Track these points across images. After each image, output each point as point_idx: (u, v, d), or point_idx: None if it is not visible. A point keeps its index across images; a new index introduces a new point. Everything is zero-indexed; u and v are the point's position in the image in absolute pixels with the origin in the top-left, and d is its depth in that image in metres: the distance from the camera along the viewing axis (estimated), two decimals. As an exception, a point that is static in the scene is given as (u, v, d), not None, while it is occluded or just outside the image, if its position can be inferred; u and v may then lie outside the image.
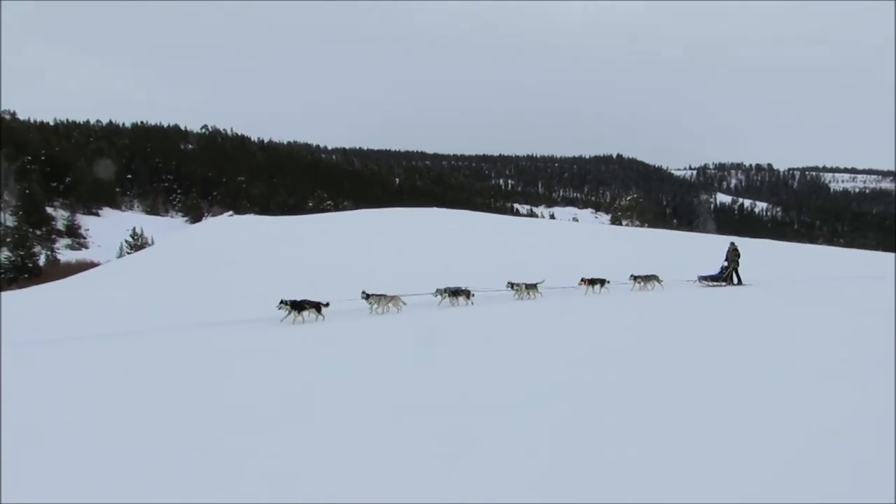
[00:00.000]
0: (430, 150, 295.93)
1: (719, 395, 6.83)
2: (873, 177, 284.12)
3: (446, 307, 16.97)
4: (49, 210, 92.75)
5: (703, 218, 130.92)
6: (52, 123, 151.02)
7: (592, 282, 19.15)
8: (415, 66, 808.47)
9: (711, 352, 9.46)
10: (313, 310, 14.72)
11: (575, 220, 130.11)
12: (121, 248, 70.45)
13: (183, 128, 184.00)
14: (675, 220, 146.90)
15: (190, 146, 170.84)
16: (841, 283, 21.63)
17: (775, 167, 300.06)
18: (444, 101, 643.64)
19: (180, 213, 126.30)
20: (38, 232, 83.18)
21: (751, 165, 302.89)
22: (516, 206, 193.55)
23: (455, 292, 17.27)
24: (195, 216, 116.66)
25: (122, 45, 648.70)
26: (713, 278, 22.08)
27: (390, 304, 16.14)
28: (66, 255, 77.36)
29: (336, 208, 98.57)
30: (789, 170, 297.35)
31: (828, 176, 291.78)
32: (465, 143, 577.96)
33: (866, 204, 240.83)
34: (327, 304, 15.08)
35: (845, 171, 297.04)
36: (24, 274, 52.15)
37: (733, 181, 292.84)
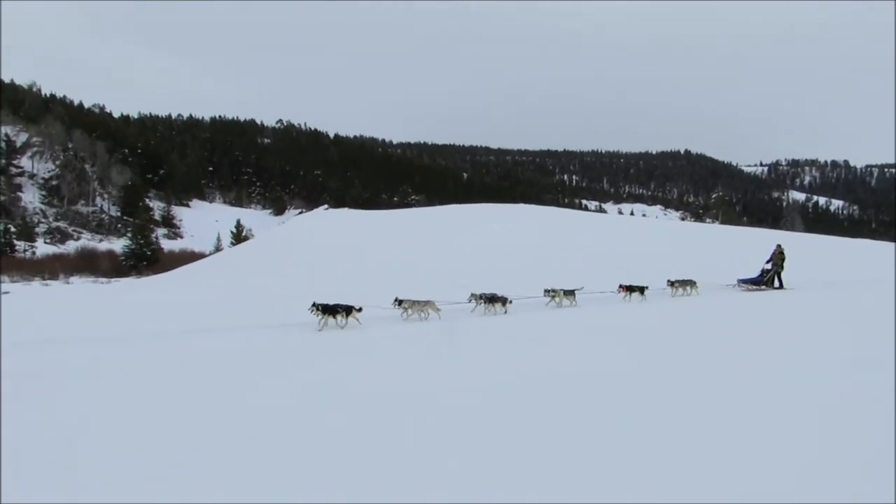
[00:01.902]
0: (493, 145, 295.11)
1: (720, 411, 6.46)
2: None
3: (480, 315, 15.92)
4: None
5: (790, 217, 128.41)
6: (136, 117, 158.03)
7: (631, 288, 18.38)
8: (477, 62, 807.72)
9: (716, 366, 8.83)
10: (344, 314, 13.96)
11: (644, 216, 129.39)
12: (218, 239, 74.13)
13: (259, 122, 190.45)
14: (744, 218, 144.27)
15: (266, 140, 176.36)
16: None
17: (852, 164, 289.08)
18: (508, 97, 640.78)
19: (261, 206, 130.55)
20: (138, 221, 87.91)
21: (826, 161, 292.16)
22: (584, 202, 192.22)
23: (491, 299, 16.28)
24: (278, 208, 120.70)
25: (195, 42, 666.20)
26: (753, 282, 21.38)
27: (426, 310, 15.39)
28: (165, 244, 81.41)
29: (409, 203, 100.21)
30: (867, 166, 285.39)
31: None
32: (528, 138, 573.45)
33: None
34: (360, 309, 14.26)
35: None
36: (143, 261, 55.62)
37: (807, 178, 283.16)
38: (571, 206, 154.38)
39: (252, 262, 40.80)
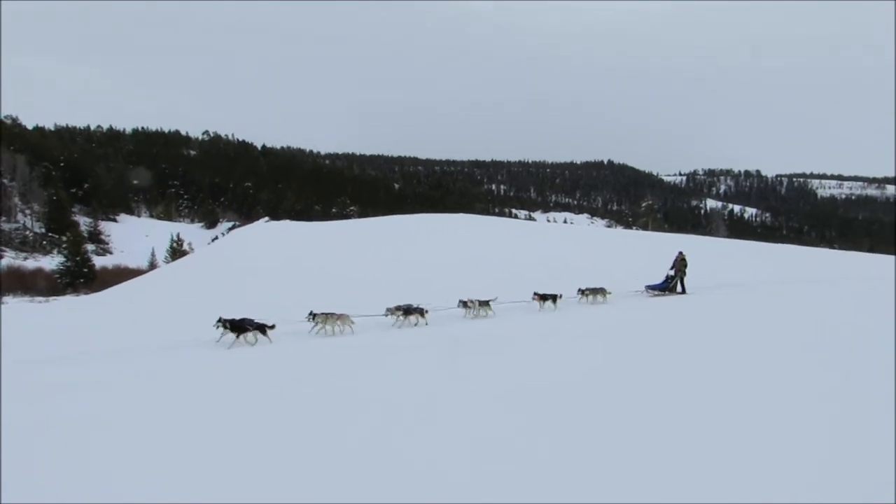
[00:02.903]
0: (421, 155, 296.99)
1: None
2: (859, 183, 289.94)
3: (398, 328, 15.67)
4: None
5: (716, 224, 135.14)
6: (52, 129, 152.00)
7: (544, 297, 18.29)
8: (401, 71, 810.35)
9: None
10: (256, 331, 13.24)
11: (572, 224, 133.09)
12: (152, 254, 72.55)
13: (184, 133, 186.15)
14: (666, 225, 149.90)
15: (192, 152, 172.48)
16: (796, 288, 22.00)
17: (764, 173, 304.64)
18: (432, 107, 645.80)
19: (191, 219, 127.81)
20: (64, 238, 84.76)
21: (740, 171, 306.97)
22: (514, 211, 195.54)
23: (407, 311, 15.90)
24: (210, 222, 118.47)
25: (105, 50, 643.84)
26: (659, 288, 21.95)
27: (338, 324, 14.90)
28: (96, 260, 78.68)
29: (347, 214, 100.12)
30: (777, 176, 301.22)
31: (815, 182, 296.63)
32: (455, 149, 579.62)
33: (853, 209, 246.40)
34: (272, 326, 13.56)
35: (832, 177, 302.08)
36: (79, 279, 53.98)
37: (722, 187, 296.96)
38: (502, 215, 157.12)
39: (196, 277, 39.63)
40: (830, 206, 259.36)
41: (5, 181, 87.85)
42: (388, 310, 15.89)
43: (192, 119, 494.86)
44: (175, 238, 71.55)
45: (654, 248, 24.50)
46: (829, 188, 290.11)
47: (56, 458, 5.77)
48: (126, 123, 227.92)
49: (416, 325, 15.86)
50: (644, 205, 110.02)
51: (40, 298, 44.84)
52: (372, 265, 35.92)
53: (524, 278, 25.37)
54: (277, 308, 15.56)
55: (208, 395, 8.66)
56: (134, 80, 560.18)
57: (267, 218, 65.47)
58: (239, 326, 12.86)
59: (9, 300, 44.97)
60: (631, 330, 14.13)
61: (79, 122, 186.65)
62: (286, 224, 60.65)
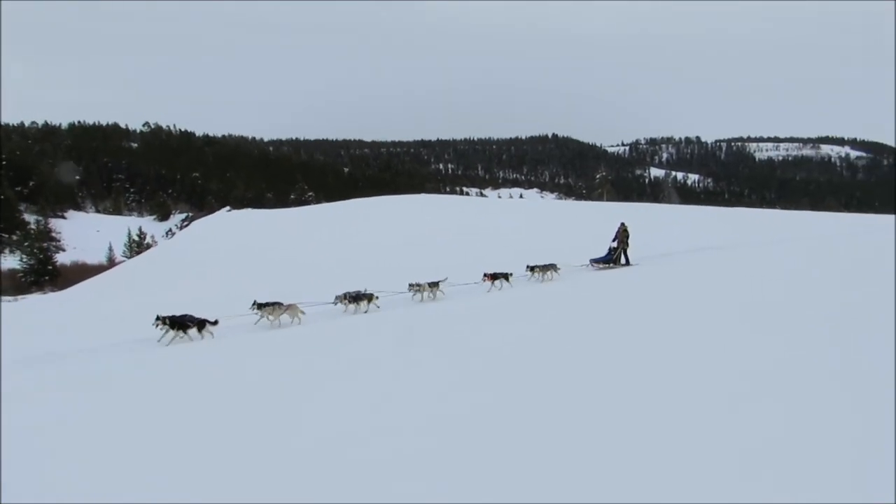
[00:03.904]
0: (366, 137, 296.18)
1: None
2: (795, 144, 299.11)
3: (349, 315, 15.39)
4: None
5: (667, 192, 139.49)
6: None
7: (495, 276, 18.03)
8: (335, 55, 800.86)
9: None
10: (195, 328, 12.86)
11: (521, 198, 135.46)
12: (110, 249, 71.86)
13: (124, 126, 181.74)
14: (603, 196, 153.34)
15: (134, 144, 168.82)
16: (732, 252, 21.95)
17: (703, 139, 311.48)
18: (371, 88, 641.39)
19: (146, 212, 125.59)
20: (15, 236, 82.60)
21: (680, 139, 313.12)
22: (465, 189, 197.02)
23: (356, 298, 15.62)
24: (163, 214, 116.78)
25: (35, 47, 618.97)
26: (604, 260, 21.60)
27: (285, 315, 14.59)
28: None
29: (306, 200, 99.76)
30: (716, 141, 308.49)
31: (753, 146, 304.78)
32: (400, 130, 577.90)
33: (790, 171, 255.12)
34: (215, 322, 13.18)
35: (769, 140, 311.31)
36: (44, 277, 53.35)
37: (665, 155, 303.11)
38: (454, 193, 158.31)
39: (165, 269, 39.08)
40: (768, 168, 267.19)
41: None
42: (337, 297, 15.65)
43: (132, 112, 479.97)
44: (138, 231, 70.73)
45: (611, 220, 24.90)
46: (767, 151, 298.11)
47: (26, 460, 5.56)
48: (56, 118, 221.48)
49: (366, 311, 15.55)
50: (598, 176, 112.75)
51: (8, 298, 44.28)
52: (340, 251, 35.61)
53: (492, 255, 25.15)
54: (244, 299, 15.12)
55: (137, 396, 8.20)
56: (55, 73, 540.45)
57: (228, 207, 65.04)
58: (179, 323, 12.55)
59: (-25, 301, 44.33)
60: (568, 305, 13.91)
61: (8, 119, 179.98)
62: (248, 212, 60.07)
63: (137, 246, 69.27)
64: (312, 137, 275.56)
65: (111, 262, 68.25)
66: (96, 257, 74.18)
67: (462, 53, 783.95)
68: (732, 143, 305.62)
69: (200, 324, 12.88)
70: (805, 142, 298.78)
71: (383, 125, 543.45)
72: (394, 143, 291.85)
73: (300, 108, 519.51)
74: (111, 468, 5.11)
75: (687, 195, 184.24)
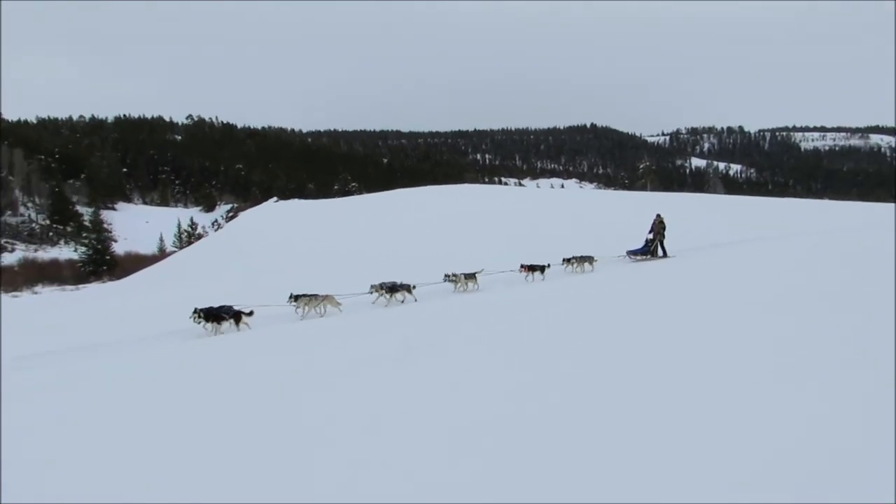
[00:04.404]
0: (403, 128, 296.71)
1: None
2: (842, 134, 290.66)
3: (383, 305, 15.46)
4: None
5: (712, 182, 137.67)
6: (34, 121, 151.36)
7: (532, 268, 18.01)
8: (376, 46, 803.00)
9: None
10: (231, 320, 13.01)
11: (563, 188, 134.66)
12: (161, 240, 73.72)
13: (168, 119, 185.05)
14: (647, 186, 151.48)
15: (178, 137, 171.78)
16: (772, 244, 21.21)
17: (746, 129, 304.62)
18: (410, 79, 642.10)
19: (191, 203, 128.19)
20: (69, 228, 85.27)
21: (722, 129, 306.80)
22: (503, 179, 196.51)
23: (392, 288, 15.54)
24: (209, 205, 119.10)
25: (78, 42, 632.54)
26: (641, 252, 21.35)
27: (323, 305, 14.64)
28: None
29: (350, 191, 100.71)
30: (760, 131, 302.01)
31: (798, 135, 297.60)
32: (437, 120, 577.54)
33: (837, 161, 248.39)
34: (251, 314, 13.36)
35: (815, 129, 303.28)
36: (102, 267, 55.10)
37: (706, 145, 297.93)
38: (492, 183, 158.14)
39: (215, 260, 39.39)
40: (815, 158, 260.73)
41: (4, 175, 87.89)
42: (373, 287, 15.63)
43: (172, 105, 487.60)
44: (190, 222, 72.65)
45: (654, 210, 24.15)
46: (813, 140, 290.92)
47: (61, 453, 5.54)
48: (102, 112, 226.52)
49: (402, 301, 15.57)
50: (642, 166, 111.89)
51: (70, 287, 45.94)
52: (383, 240, 35.85)
53: (532, 245, 25.16)
54: (288, 289, 15.26)
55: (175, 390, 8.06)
56: (101, 67, 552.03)
57: (276, 198, 66.08)
58: (214, 315, 12.76)
59: (40, 290, 46.10)
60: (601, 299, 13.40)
61: (52, 112, 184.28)
62: (295, 203, 60.68)
63: (189, 236, 70.96)
64: (350, 128, 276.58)
65: (162, 253, 70.06)
66: (147, 247, 76.07)
67: (499, 42, 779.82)
68: (777, 133, 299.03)
69: (236, 316, 13.04)
70: (853, 131, 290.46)
71: (419, 115, 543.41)
72: (431, 134, 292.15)
73: (336, 100, 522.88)
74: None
75: (729, 185, 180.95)
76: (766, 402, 4.91)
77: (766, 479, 3.73)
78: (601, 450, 4.37)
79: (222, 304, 13.23)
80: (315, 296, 14.61)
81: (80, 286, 46.04)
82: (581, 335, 8.78)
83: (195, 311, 12.63)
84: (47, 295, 42.29)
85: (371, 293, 15.57)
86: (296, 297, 14.36)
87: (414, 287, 15.91)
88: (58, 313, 26.71)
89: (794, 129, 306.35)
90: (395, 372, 7.51)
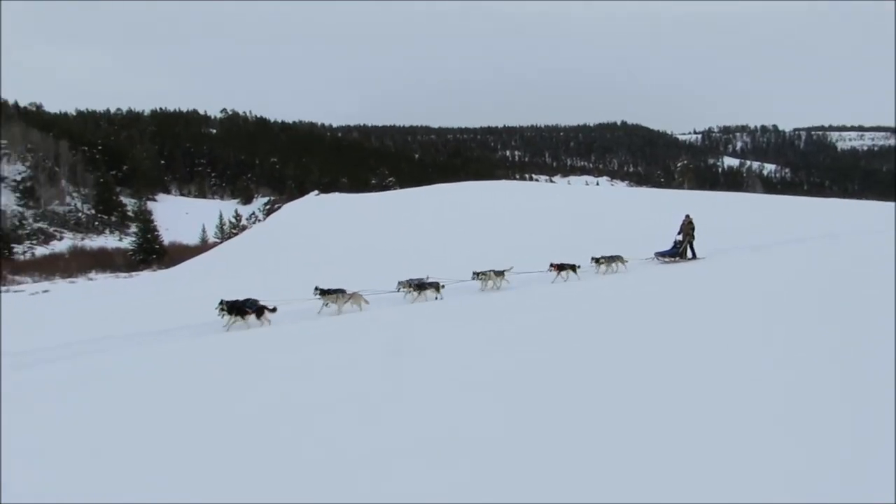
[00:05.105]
0: (433, 124, 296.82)
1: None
2: (881, 134, 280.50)
3: (410, 302, 15.27)
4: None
5: (750, 181, 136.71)
6: (74, 114, 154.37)
7: (562, 267, 17.71)
8: (406, 41, 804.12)
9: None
10: (253, 314, 12.99)
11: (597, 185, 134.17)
12: (203, 231, 75.61)
13: (203, 112, 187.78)
14: (684, 185, 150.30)
15: (213, 130, 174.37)
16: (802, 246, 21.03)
17: (781, 128, 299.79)
18: (440, 74, 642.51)
19: (227, 196, 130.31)
20: (113, 218, 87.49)
21: (756, 127, 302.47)
22: (534, 176, 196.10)
23: (420, 286, 15.39)
24: (246, 198, 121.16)
25: (111, 36, 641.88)
26: (669, 254, 20.95)
27: (349, 303, 14.38)
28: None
29: (387, 186, 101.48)
30: (795, 130, 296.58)
31: (834, 135, 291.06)
32: (466, 116, 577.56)
33: (875, 161, 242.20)
34: (273, 309, 13.27)
35: (852, 129, 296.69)
36: (151, 255, 56.74)
37: (739, 144, 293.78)
38: (523, 180, 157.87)
39: (257, 252, 39.98)
40: (852, 158, 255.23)
41: (50, 165, 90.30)
42: (400, 284, 15.51)
43: (205, 98, 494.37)
44: (234, 214, 74.57)
45: (691, 209, 23.72)
46: (850, 140, 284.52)
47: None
48: (138, 105, 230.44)
49: (436, 299, 15.36)
50: (679, 164, 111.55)
51: (123, 275, 47.45)
52: (416, 236, 36.84)
53: (564, 243, 25.84)
54: (321, 283, 15.12)
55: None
56: (134, 61, 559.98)
57: (316, 191, 67.13)
58: (239, 309, 12.77)
59: (95, 276, 47.67)
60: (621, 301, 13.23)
61: (95, 106, 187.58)
62: (335, 197, 61.20)
63: (233, 228, 72.87)
64: (379, 123, 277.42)
65: (203, 243, 71.89)
66: (189, 238, 77.76)
67: (530, 37, 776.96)
68: (812, 132, 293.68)
69: (259, 310, 13.00)
70: (893, 131, 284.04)
71: (448, 111, 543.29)
72: (460, 130, 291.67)
73: (365, 96, 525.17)
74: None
75: (764, 185, 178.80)
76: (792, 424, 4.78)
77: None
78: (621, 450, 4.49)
79: (247, 297, 13.27)
80: (342, 291, 14.42)
81: (133, 274, 47.61)
82: (596, 338, 8.68)
83: (220, 304, 12.68)
84: (102, 281, 43.77)
85: (398, 291, 15.47)
86: (322, 292, 14.19)
87: (443, 286, 15.74)
88: (112, 299, 28.02)
89: (831, 128, 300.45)
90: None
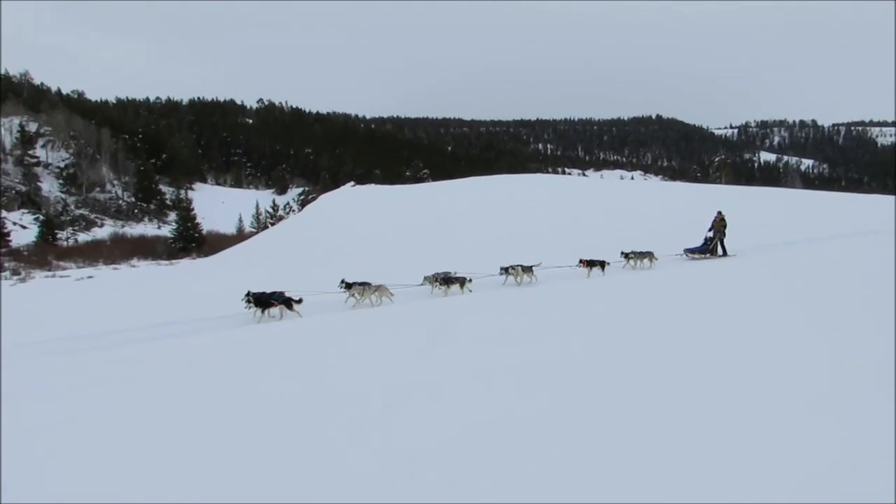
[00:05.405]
0: (465, 116, 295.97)
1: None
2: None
3: (437, 296, 15.13)
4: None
5: (790, 176, 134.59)
6: (115, 102, 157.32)
7: (591, 263, 17.46)
8: (440, 32, 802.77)
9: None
10: (282, 305, 13.04)
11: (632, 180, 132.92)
12: (240, 220, 77.00)
13: (239, 102, 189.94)
14: (721, 180, 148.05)
15: (249, 120, 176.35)
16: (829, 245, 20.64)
17: (819, 123, 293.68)
18: (474, 67, 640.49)
19: (262, 186, 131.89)
20: (152, 206, 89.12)
21: (794, 122, 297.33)
22: (566, 170, 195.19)
23: (446, 280, 15.27)
24: (281, 188, 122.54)
25: (142, 25, 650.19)
26: (699, 251, 20.70)
27: (375, 296, 14.34)
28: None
29: (421, 178, 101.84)
30: (834, 125, 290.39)
31: (875, 130, 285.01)
32: (498, 109, 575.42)
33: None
34: (300, 301, 13.17)
35: (893, 124, 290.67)
36: (191, 244, 57.83)
37: (776, 139, 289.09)
38: (556, 174, 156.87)
39: (292, 242, 39.86)
40: (892, 154, 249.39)
41: (92, 153, 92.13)
42: (426, 278, 15.51)
43: (241, 89, 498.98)
44: (272, 204, 75.95)
45: (727, 204, 23.20)
46: (890, 136, 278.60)
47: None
48: (176, 94, 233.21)
49: (462, 293, 15.34)
50: (717, 159, 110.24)
51: (164, 262, 48.43)
52: (450, 229, 36.61)
53: (596, 237, 25.48)
54: (352, 275, 15.17)
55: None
56: (172, 51, 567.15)
57: (352, 182, 67.67)
58: (264, 301, 12.81)
59: (137, 263, 48.72)
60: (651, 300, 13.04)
61: (134, 95, 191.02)
62: (371, 188, 61.28)
63: (270, 218, 74.09)
64: (412, 115, 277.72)
65: (240, 232, 72.95)
66: (226, 227, 78.89)
67: (565, 27, 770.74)
68: (852, 128, 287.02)
69: (286, 302, 13.01)
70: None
71: (480, 104, 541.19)
72: (493, 123, 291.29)
73: (399, 87, 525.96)
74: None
75: (803, 181, 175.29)
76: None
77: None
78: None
79: (274, 290, 13.33)
80: (368, 284, 14.36)
81: (174, 261, 48.55)
82: (637, 342, 8.69)
83: (247, 295, 12.72)
84: (145, 269, 44.65)
85: (424, 284, 15.53)
86: (348, 285, 14.16)
87: (470, 280, 15.72)
88: (157, 286, 28.41)
89: (871, 123, 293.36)
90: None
